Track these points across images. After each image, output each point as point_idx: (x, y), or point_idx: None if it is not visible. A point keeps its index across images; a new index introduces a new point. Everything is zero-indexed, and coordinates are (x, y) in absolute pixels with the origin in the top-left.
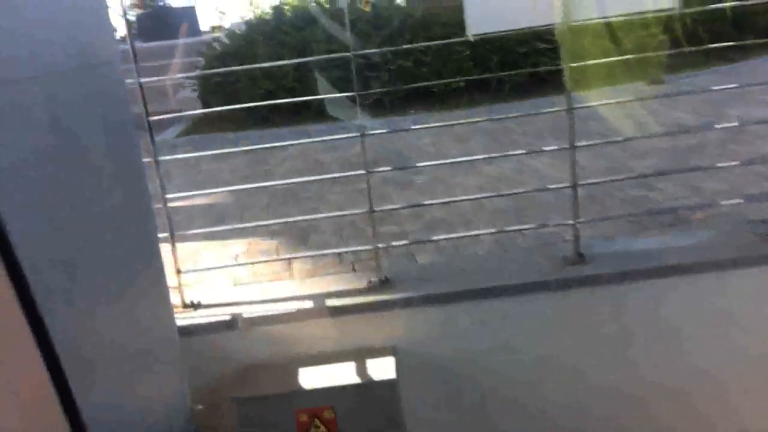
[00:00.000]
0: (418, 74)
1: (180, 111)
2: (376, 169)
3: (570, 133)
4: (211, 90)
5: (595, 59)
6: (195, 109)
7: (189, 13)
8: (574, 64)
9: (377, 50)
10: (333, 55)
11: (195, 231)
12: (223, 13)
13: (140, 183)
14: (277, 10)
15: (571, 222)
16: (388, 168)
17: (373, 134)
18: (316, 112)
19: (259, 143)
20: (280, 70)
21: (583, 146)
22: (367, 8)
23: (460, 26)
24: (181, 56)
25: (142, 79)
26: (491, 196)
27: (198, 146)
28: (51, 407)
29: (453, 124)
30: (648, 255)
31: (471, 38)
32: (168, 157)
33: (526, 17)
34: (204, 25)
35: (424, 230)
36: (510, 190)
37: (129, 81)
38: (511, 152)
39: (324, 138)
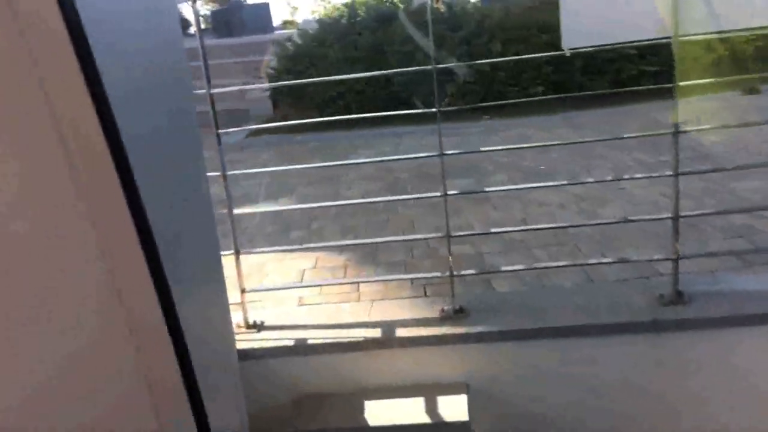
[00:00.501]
0: (494, 78)
1: (249, 112)
2: (453, 192)
3: (674, 159)
4: (281, 90)
5: (696, 69)
6: (265, 108)
7: (262, 8)
8: (683, 83)
9: (464, 63)
10: (414, 68)
11: (260, 250)
12: (296, 8)
13: (203, 196)
14: (350, 8)
15: (670, 257)
16: (465, 192)
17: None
18: (386, 117)
19: (328, 146)
20: (351, 72)
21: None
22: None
23: (539, 27)
24: (254, 54)
25: (214, 90)
26: (576, 226)
27: (267, 148)
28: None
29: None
30: (758, 297)
31: (567, 53)
32: (237, 172)
33: (626, 31)
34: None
35: (500, 252)
36: (594, 209)
37: (200, 92)
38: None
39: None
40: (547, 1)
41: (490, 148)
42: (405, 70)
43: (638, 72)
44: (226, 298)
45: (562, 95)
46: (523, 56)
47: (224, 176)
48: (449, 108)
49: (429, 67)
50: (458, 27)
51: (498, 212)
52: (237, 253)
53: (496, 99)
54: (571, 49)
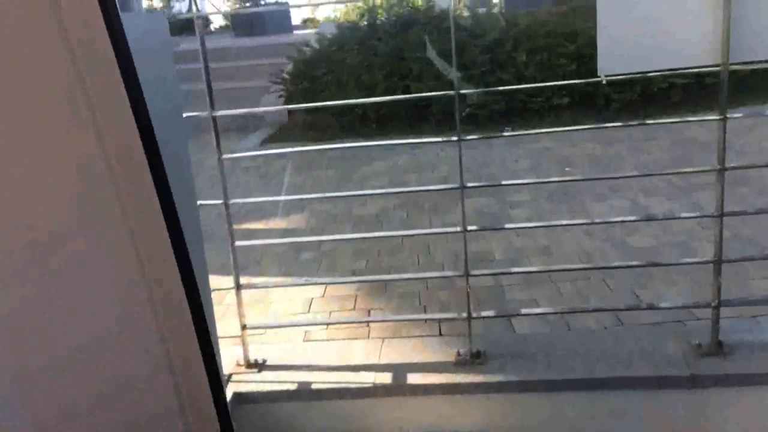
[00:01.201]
0: (518, 88)
1: (264, 117)
2: (473, 228)
3: (718, 197)
4: (297, 96)
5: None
6: (280, 115)
7: (280, 8)
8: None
9: (485, 89)
10: (437, 93)
11: (263, 284)
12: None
13: (192, 227)
14: (370, 13)
15: (710, 304)
16: (485, 228)
17: (472, 187)
18: (407, 123)
19: (344, 155)
20: (370, 79)
21: (735, 214)
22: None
23: (566, 36)
24: (272, 56)
25: (217, 113)
26: (607, 268)
27: (283, 155)
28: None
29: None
30: None
31: (603, 80)
32: (239, 201)
33: (667, 58)
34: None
35: (522, 285)
36: (623, 237)
37: (203, 114)
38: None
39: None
40: (575, 6)
41: (512, 182)
42: (427, 96)
43: (668, 84)
44: (215, 339)
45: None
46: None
47: (226, 205)
48: (470, 138)
49: (451, 92)
50: (481, 34)
51: (520, 238)
52: (238, 287)
53: (518, 110)
54: (607, 76)
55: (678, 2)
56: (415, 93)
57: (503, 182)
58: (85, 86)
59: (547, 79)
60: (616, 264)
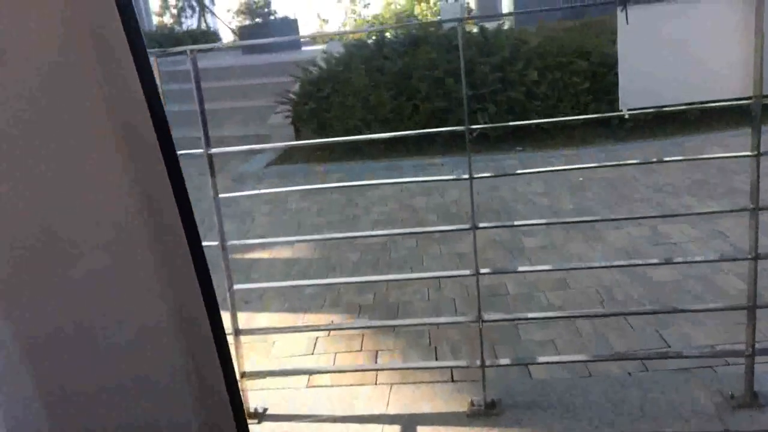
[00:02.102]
0: (529, 108)
1: (271, 138)
2: (485, 271)
3: (752, 239)
4: (304, 117)
5: None
6: (286, 136)
7: (289, 24)
8: None
9: (498, 125)
10: (446, 129)
11: (263, 330)
12: (325, 21)
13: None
14: (378, 36)
15: (743, 351)
16: (495, 271)
17: (484, 228)
18: (413, 146)
19: (352, 177)
20: (377, 99)
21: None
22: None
23: (579, 54)
24: (277, 74)
25: (213, 150)
26: (628, 314)
27: (286, 178)
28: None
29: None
30: None
31: (625, 114)
32: (236, 242)
33: (693, 90)
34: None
35: (538, 323)
36: (644, 270)
37: (197, 151)
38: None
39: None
40: (586, 22)
41: (525, 222)
42: (438, 131)
43: (685, 103)
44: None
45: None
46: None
47: (223, 246)
48: (482, 176)
49: (461, 128)
50: (491, 52)
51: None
52: (237, 333)
53: (530, 130)
54: (630, 110)
55: (704, 31)
56: (423, 113)
57: (516, 222)
58: (105, 92)
59: (560, 97)
60: (637, 310)
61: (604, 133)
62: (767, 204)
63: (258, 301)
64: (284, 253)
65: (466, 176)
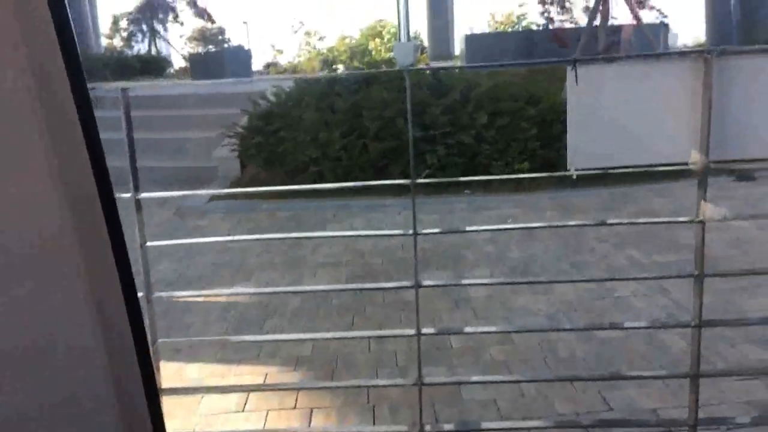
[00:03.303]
0: (478, 151)
1: (216, 170)
2: (427, 331)
3: (696, 306)
4: (251, 151)
5: None
6: (232, 169)
7: (243, 54)
8: None
9: (443, 180)
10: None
11: (187, 388)
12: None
13: None
14: (331, 71)
15: (686, 421)
16: (442, 332)
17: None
18: (361, 180)
19: (296, 216)
20: (327, 136)
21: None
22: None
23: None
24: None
25: (142, 195)
26: (570, 380)
27: (231, 215)
28: None
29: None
30: None
31: (573, 175)
32: (163, 294)
33: (641, 153)
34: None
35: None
36: (589, 321)
37: (125, 196)
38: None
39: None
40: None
41: (471, 281)
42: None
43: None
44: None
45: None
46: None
47: (148, 299)
48: (427, 232)
49: (407, 181)
50: (443, 94)
51: (479, 321)
52: (159, 394)
53: (479, 173)
54: (578, 170)
55: (653, 94)
56: (373, 152)
57: (463, 281)
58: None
59: (509, 142)
60: (580, 375)
61: (553, 178)
62: (710, 271)
63: (189, 350)
64: (221, 297)
65: (411, 232)
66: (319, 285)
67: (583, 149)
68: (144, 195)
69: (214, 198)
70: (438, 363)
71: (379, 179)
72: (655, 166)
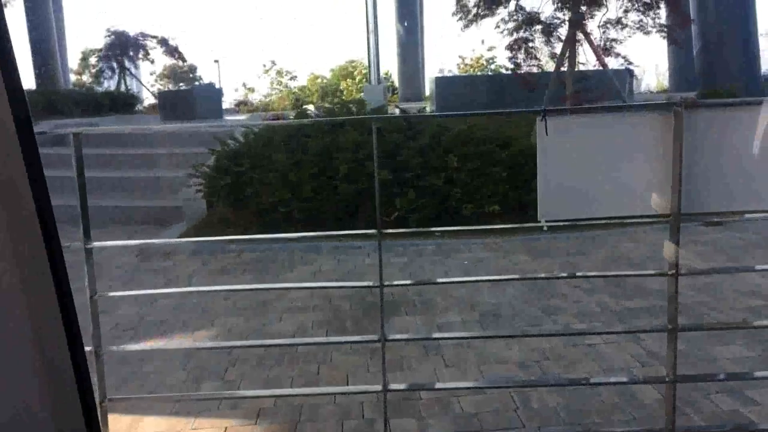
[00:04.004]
0: (448, 193)
1: (182, 210)
2: (394, 387)
3: (669, 361)
4: (218, 192)
5: None
6: (198, 210)
7: (214, 92)
8: None
9: (410, 230)
10: (359, 232)
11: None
12: (251, 90)
13: None
14: (301, 112)
15: None
16: (410, 387)
17: (395, 339)
18: (332, 222)
19: (264, 258)
20: (297, 177)
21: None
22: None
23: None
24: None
25: (94, 245)
26: None
27: (197, 254)
28: None
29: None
30: None
31: (544, 227)
32: (114, 348)
33: (612, 205)
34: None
35: None
36: (562, 369)
37: (75, 244)
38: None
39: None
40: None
41: (440, 335)
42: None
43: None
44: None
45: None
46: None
47: (98, 354)
48: (396, 284)
49: (373, 231)
50: (414, 136)
51: (449, 369)
52: None
53: (449, 215)
54: (548, 222)
55: (624, 149)
56: (343, 194)
57: (434, 335)
58: None
59: (480, 185)
60: None
61: (524, 220)
62: (685, 324)
63: (144, 402)
64: (184, 342)
65: (377, 283)
66: (286, 329)
67: (554, 201)
68: (96, 244)
69: (179, 236)
70: (406, 414)
71: (350, 221)
72: (627, 217)
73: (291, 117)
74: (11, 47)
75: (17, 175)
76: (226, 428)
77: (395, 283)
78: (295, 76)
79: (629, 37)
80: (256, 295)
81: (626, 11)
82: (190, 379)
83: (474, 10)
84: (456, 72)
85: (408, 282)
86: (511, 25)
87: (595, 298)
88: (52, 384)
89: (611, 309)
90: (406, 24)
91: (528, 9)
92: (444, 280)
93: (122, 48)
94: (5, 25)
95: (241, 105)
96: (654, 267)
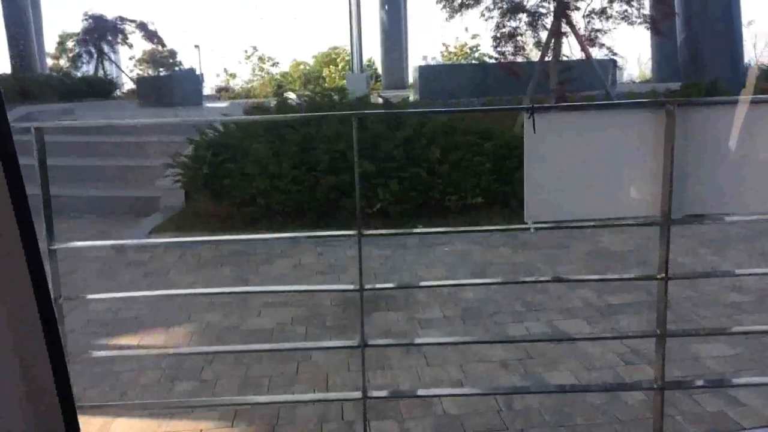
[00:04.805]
0: (432, 185)
1: (159, 201)
2: (376, 394)
3: (657, 367)
4: (196, 182)
5: None
6: (176, 200)
7: (194, 78)
8: None
9: (391, 232)
10: (340, 233)
11: None
12: (233, 75)
13: None
14: (281, 100)
15: None
16: (392, 395)
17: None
18: (315, 216)
19: (242, 251)
20: (277, 168)
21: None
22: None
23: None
24: (174, 133)
25: (58, 246)
26: None
27: (173, 250)
28: None
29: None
30: None
31: (532, 229)
32: (85, 356)
33: (599, 207)
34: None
35: None
36: (543, 371)
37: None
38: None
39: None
40: (488, 102)
41: (423, 341)
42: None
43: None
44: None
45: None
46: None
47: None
48: (379, 287)
49: (352, 232)
50: (397, 127)
51: (431, 369)
52: None
53: (432, 207)
54: (535, 223)
55: (613, 148)
56: (324, 185)
57: (416, 340)
58: None
59: (463, 176)
60: None
61: (508, 214)
62: (673, 330)
63: (118, 401)
64: (157, 340)
65: (357, 287)
66: (265, 324)
67: (541, 202)
68: (59, 246)
69: (155, 231)
70: (387, 416)
71: (331, 213)
72: (616, 220)
73: (272, 104)
74: None
75: None
76: (201, 431)
77: (376, 286)
78: (278, 63)
79: (614, 28)
80: (238, 286)
81: (611, 1)
82: (164, 378)
83: (459, 0)
84: (440, 59)
85: (389, 285)
86: (495, 13)
87: (577, 293)
88: (31, 388)
89: (594, 305)
90: (388, 9)
91: None
92: (426, 283)
93: (100, 32)
94: None
95: (222, 91)
96: (637, 260)
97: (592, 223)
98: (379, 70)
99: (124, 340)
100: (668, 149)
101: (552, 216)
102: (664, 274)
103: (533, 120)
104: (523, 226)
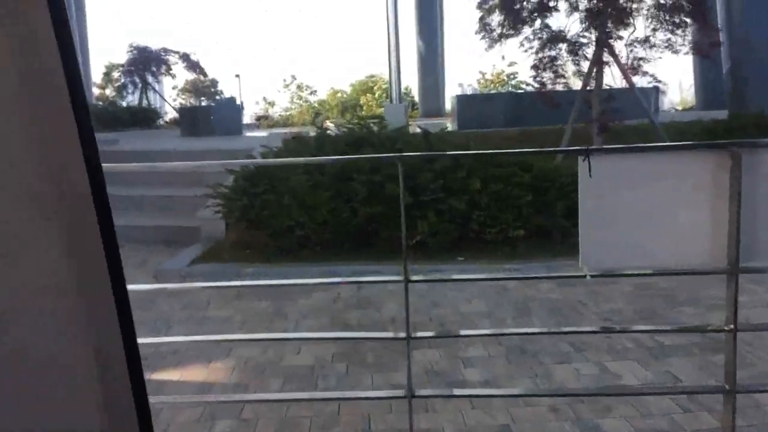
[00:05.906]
0: (471, 217)
1: (200, 231)
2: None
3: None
4: (235, 212)
5: None
6: (216, 230)
7: (234, 107)
8: None
9: (437, 279)
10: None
11: None
12: (272, 104)
13: None
14: (321, 132)
15: None
16: None
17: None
18: (352, 248)
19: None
20: (314, 199)
21: None
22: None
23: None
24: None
25: None
26: None
27: (212, 279)
28: None
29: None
30: None
31: (588, 277)
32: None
33: (654, 258)
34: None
35: None
36: (594, 417)
37: None
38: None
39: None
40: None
41: (465, 392)
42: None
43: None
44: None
45: None
46: None
47: None
48: (421, 335)
49: (400, 278)
50: (434, 158)
51: (475, 412)
52: None
53: (471, 240)
54: (593, 275)
55: (674, 194)
56: (361, 217)
57: (455, 391)
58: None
59: (503, 208)
60: None
61: (548, 246)
62: (744, 384)
63: None
64: (198, 374)
65: (404, 335)
66: (304, 361)
67: (597, 247)
68: None
69: (195, 261)
70: None
71: (369, 245)
72: (679, 271)
73: (311, 134)
74: (77, 64)
75: (80, 179)
76: None
77: (419, 335)
78: (315, 91)
79: (659, 58)
80: (272, 323)
81: (654, 30)
82: (204, 417)
83: (498, 30)
84: (476, 87)
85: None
86: (536, 43)
87: (626, 333)
88: (106, 383)
89: (645, 345)
90: (425, 36)
91: (554, 27)
92: (468, 332)
93: (144, 63)
94: (71, 41)
95: (261, 119)
96: (687, 297)
97: (651, 274)
98: (416, 98)
99: (164, 375)
100: (734, 194)
101: (608, 263)
102: (732, 326)
103: (589, 163)
104: (579, 274)
